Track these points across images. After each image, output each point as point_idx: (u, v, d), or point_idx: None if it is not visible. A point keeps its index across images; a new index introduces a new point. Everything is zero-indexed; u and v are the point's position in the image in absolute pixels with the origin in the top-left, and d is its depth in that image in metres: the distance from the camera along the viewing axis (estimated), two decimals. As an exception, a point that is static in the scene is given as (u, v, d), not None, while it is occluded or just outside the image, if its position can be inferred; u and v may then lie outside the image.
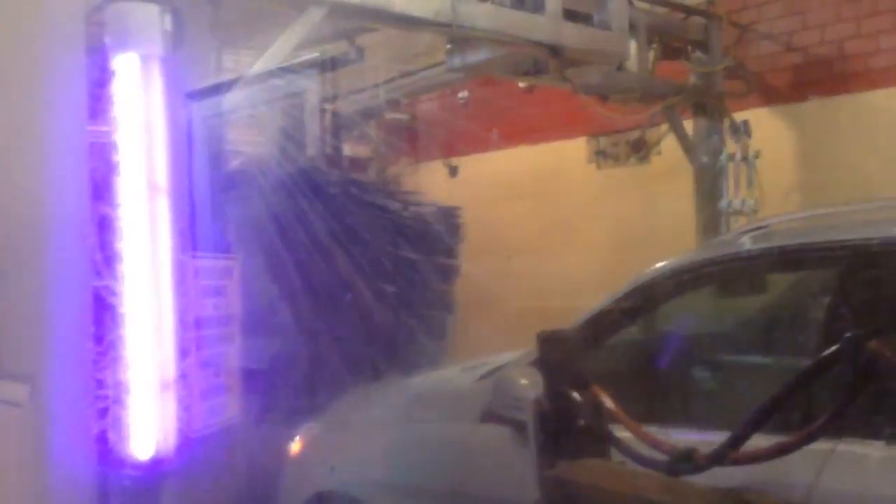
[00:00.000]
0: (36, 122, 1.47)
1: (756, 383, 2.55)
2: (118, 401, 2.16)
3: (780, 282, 2.95)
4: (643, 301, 2.62)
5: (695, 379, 2.75)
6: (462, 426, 2.76)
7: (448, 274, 4.89)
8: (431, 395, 3.19)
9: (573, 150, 6.17)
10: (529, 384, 2.36)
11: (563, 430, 1.87)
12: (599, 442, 1.84)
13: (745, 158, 4.67)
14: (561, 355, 1.91)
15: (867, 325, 1.55)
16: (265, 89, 3.17)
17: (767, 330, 2.88)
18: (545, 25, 3.50)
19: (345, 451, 3.14)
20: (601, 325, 2.59)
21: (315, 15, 2.79)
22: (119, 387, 2.15)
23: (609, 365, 2.72)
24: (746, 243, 2.59)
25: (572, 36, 3.63)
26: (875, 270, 2.25)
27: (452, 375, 3.31)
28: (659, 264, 2.67)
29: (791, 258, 2.49)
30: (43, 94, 1.49)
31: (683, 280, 2.59)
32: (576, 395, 1.86)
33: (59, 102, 1.50)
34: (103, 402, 1.97)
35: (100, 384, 1.91)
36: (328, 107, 4.85)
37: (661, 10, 4.93)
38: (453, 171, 6.70)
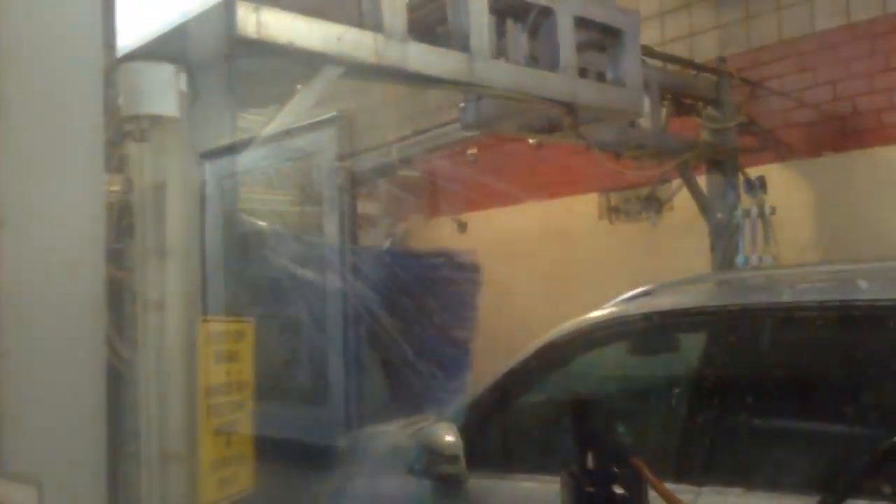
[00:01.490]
0: (51, 190, 1.38)
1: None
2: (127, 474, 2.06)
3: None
4: (539, 365, 2.86)
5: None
6: (392, 480, 2.97)
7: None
8: (371, 449, 3.33)
9: (584, 207, 6.12)
10: (452, 440, 2.63)
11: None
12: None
13: (761, 214, 4.60)
14: (597, 425, 1.81)
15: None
16: (280, 149, 3.13)
17: (643, 392, 3.03)
18: (560, 83, 3.46)
19: None
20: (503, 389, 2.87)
21: (331, 74, 2.75)
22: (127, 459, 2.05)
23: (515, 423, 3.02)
24: (629, 309, 2.78)
25: (587, 93, 3.59)
26: (735, 335, 2.40)
27: (394, 430, 3.44)
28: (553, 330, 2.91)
29: (666, 322, 2.68)
30: (59, 156, 1.41)
31: (573, 345, 2.86)
32: (615, 467, 1.76)
33: (76, 167, 1.43)
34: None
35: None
36: (339, 164, 4.82)
37: (672, 67, 4.93)
38: (462, 227, 6.68)
